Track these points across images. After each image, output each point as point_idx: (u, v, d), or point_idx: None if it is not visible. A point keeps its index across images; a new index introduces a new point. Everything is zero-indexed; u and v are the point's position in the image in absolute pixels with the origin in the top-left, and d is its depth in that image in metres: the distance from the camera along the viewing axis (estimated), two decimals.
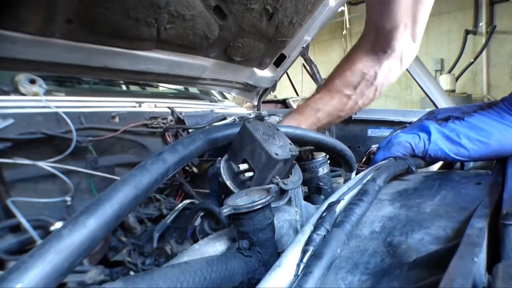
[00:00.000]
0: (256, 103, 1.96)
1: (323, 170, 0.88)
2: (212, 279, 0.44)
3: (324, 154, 0.90)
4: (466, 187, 0.61)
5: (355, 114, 1.82)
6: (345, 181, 1.03)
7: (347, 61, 1.00)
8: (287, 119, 1.02)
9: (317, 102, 1.00)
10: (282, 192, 0.61)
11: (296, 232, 0.65)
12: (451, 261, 0.29)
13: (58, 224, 0.83)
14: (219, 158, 0.67)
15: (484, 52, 6.01)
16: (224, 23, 1.25)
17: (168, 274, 0.41)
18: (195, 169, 1.21)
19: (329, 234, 0.42)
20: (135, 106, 1.27)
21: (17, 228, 0.82)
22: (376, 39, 0.93)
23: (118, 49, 1.16)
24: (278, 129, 0.68)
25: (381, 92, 0.99)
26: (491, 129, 0.71)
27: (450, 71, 6.30)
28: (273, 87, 1.93)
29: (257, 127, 0.61)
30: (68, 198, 0.91)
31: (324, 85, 1.04)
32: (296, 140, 0.74)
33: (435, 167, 0.98)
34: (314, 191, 0.88)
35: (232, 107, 1.88)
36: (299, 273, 0.38)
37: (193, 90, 1.98)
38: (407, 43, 0.90)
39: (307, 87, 1.98)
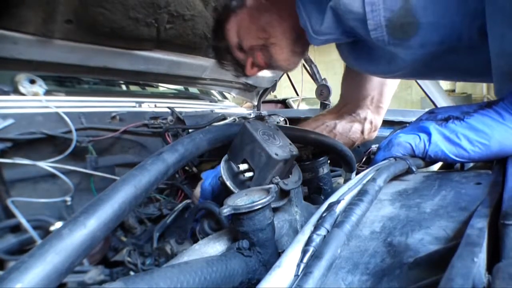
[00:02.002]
0: (256, 103, 1.96)
1: (323, 170, 0.88)
2: (212, 279, 0.44)
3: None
4: (466, 187, 0.61)
5: None
6: (345, 181, 1.03)
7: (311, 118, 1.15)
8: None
9: None
10: (282, 192, 0.61)
11: (296, 232, 0.65)
12: (451, 261, 0.29)
13: (58, 224, 0.83)
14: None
15: None
16: None
17: (168, 274, 0.41)
18: (195, 169, 1.21)
19: (329, 234, 0.42)
20: (135, 106, 1.27)
21: (17, 228, 0.82)
22: (344, 106, 1.07)
23: (118, 49, 1.16)
24: (278, 129, 0.68)
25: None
26: (491, 130, 0.71)
27: None
28: (273, 87, 1.93)
29: (257, 127, 0.61)
30: (68, 198, 0.91)
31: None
32: (296, 140, 0.74)
33: (435, 167, 0.98)
34: (314, 191, 0.88)
35: (232, 107, 1.88)
36: (299, 273, 0.38)
37: (193, 90, 1.98)
38: (371, 114, 1.04)
39: (307, 87, 1.98)
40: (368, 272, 0.37)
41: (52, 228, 0.82)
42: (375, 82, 0.99)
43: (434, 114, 0.85)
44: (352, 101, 1.05)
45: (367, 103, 1.02)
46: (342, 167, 1.01)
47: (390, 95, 1.04)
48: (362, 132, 1.06)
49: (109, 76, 1.33)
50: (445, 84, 5.96)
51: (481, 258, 0.31)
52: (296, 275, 0.38)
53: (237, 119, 1.38)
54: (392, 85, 1.02)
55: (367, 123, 1.05)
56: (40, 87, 1.02)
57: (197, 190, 0.94)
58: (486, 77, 0.67)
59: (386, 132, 1.71)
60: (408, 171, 0.72)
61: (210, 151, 0.63)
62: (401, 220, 0.49)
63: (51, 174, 0.89)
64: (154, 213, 1.05)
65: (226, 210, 0.48)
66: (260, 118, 1.60)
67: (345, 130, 1.05)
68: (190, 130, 1.29)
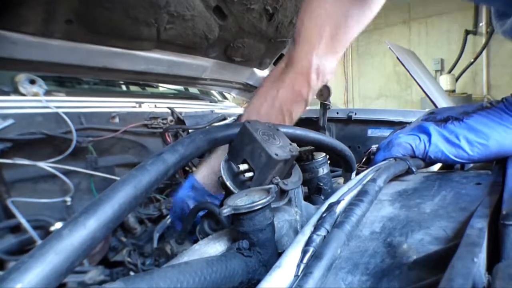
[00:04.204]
0: None
1: (323, 170, 0.88)
2: (212, 280, 0.44)
3: (324, 154, 0.90)
4: (466, 187, 0.61)
5: (355, 113, 1.82)
6: (345, 181, 1.03)
7: (257, 88, 0.93)
8: (198, 167, 0.93)
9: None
10: (282, 193, 0.61)
11: (296, 232, 0.65)
12: (451, 261, 0.29)
13: (58, 225, 0.83)
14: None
15: (484, 52, 6.00)
16: (224, 23, 1.25)
17: (168, 274, 0.41)
18: (195, 169, 1.21)
19: (329, 235, 0.42)
20: (135, 106, 1.27)
21: (17, 228, 0.82)
22: (291, 50, 0.87)
23: (118, 49, 1.16)
24: (278, 129, 0.68)
25: (291, 112, 0.90)
26: (490, 131, 0.71)
27: (450, 71, 6.30)
28: None
29: (257, 127, 0.61)
30: (68, 199, 0.91)
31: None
32: (296, 140, 0.74)
33: (435, 167, 0.98)
34: (314, 191, 0.88)
35: (232, 107, 1.88)
36: (299, 274, 0.38)
37: (193, 90, 1.98)
38: (318, 57, 0.83)
39: None
40: (368, 272, 0.37)
41: (52, 228, 0.83)
42: (333, 9, 0.80)
43: (434, 114, 0.85)
44: (299, 41, 0.85)
45: (314, 41, 0.82)
46: (342, 167, 1.01)
47: (353, 32, 0.83)
48: (309, 84, 0.87)
49: (109, 76, 1.33)
50: (445, 84, 5.96)
51: (481, 258, 0.31)
52: (296, 276, 0.38)
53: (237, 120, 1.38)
54: (358, 18, 0.81)
55: (312, 73, 0.85)
56: (40, 87, 1.02)
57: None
58: None
59: (386, 132, 1.71)
60: (408, 172, 0.72)
61: (210, 151, 0.63)
62: (401, 220, 0.49)
63: (51, 175, 0.89)
64: (154, 213, 1.05)
65: (226, 210, 0.48)
66: None
67: (289, 94, 0.87)
68: (190, 130, 1.29)
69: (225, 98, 2.09)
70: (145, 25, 1.08)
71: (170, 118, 1.30)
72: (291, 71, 0.86)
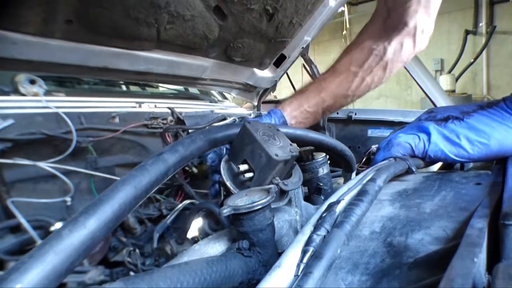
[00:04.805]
0: (256, 104, 1.96)
1: (323, 170, 0.88)
2: (212, 280, 0.44)
3: (324, 154, 0.90)
4: (466, 187, 0.61)
5: (355, 113, 1.82)
6: (345, 181, 1.03)
7: (356, 40, 0.95)
8: (289, 100, 0.97)
9: (321, 82, 0.95)
10: (282, 193, 0.61)
11: (296, 232, 0.65)
12: (451, 261, 0.29)
13: (58, 225, 0.83)
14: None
15: (484, 52, 6.00)
16: (224, 23, 1.25)
17: (168, 274, 0.41)
18: (195, 170, 1.21)
19: (329, 235, 0.42)
20: (135, 107, 1.27)
21: (17, 229, 0.82)
22: (388, 15, 0.87)
23: (118, 49, 1.16)
24: (278, 130, 0.68)
25: (392, 71, 0.93)
26: (491, 130, 0.71)
27: (450, 71, 6.30)
28: (273, 88, 1.93)
29: (257, 127, 0.61)
30: (68, 199, 0.91)
31: (331, 66, 0.98)
32: (296, 140, 0.74)
33: (435, 167, 0.98)
34: (314, 191, 0.88)
35: (232, 107, 1.88)
36: (299, 274, 0.38)
37: (193, 90, 1.98)
38: (421, 17, 0.84)
39: None
40: (368, 272, 0.37)
41: (52, 228, 0.83)
42: None
43: (433, 114, 0.85)
44: (395, 5, 0.85)
45: (413, 4, 0.81)
46: (342, 167, 1.01)
47: (436, 2, 0.83)
48: (414, 45, 0.88)
49: (109, 76, 1.33)
50: (445, 84, 5.96)
51: (481, 258, 0.31)
52: (296, 275, 0.38)
53: (237, 120, 1.38)
54: None
55: (418, 33, 0.86)
56: (40, 87, 1.02)
57: None
58: None
59: (386, 132, 1.71)
60: (408, 171, 0.73)
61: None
62: (401, 220, 0.49)
63: (51, 175, 0.89)
64: (154, 213, 1.05)
65: (226, 211, 0.48)
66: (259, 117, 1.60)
67: (397, 53, 0.89)
68: (190, 131, 1.29)
69: (225, 98, 2.09)
70: (145, 25, 1.08)
71: (170, 118, 1.30)
72: (397, 33, 0.87)
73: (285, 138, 0.65)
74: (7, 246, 0.79)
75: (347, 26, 6.79)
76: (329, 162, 0.92)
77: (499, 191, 0.51)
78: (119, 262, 0.88)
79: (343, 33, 6.93)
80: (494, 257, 0.35)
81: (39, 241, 0.79)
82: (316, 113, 0.96)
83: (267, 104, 2.16)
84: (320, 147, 0.85)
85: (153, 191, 0.48)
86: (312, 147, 0.86)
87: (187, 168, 1.21)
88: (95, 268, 0.77)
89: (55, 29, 0.97)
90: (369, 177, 0.60)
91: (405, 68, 1.85)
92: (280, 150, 0.59)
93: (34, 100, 0.99)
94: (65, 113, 0.97)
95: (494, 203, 0.46)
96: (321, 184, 0.87)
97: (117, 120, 1.15)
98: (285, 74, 1.95)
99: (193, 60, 1.41)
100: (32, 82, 1.01)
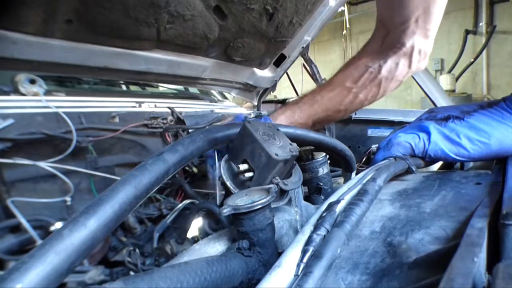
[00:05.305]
0: (256, 103, 1.96)
1: (323, 170, 0.88)
2: (212, 279, 0.44)
3: (324, 154, 0.90)
4: (466, 187, 0.61)
5: (355, 113, 1.82)
6: (345, 181, 1.03)
7: (353, 57, 0.97)
8: (283, 109, 1.00)
9: (315, 95, 0.97)
10: (282, 193, 0.61)
11: (296, 232, 0.65)
12: (451, 261, 0.29)
13: (58, 224, 0.83)
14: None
15: (484, 52, 6.00)
16: (224, 23, 1.25)
17: (168, 274, 0.41)
18: (195, 169, 1.21)
19: (329, 234, 0.42)
20: (135, 106, 1.27)
21: (17, 228, 0.82)
22: (386, 35, 0.89)
23: (118, 49, 1.16)
24: (278, 130, 0.68)
25: (386, 89, 0.95)
26: (491, 129, 0.71)
27: (450, 71, 6.30)
28: (273, 87, 1.93)
29: (257, 127, 0.61)
30: (68, 198, 0.91)
31: (327, 81, 1.01)
32: (296, 140, 0.74)
33: (435, 167, 0.98)
34: (314, 191, 0.88)
35: (232, 107, 1.88)
36: (299, 273, 0.38)
37: (193, 90, 1.98)
38: (418, 39, 0.85)
39: (307, 87, 1.99)
40: (368, 272, 0.37)
41: (52, 228, 0.83)
42: (417, 0, 0.80)
43: (433, 113, 0.85)
44: (393, 26, 0.87)
45: (411, 26, 0.82)
46: (342, 167, 1.01)
47: (438, 14, 0.83)
48: (410, 65, 0.90)
49: (109, 76, 1.33)
50: (445, 84, 5.95)
51: (481, 258, 0.31)
52: (296, 275, 0.38)
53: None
54: (440, 2, 0.81)
55: (415, 53, 0.88)
56: (40, 87, 1.02)
57: None
58: None
59: (386, 132, 1.71)
60: (408, 171, 0.73)
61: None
62: (401, 220, 0.49)
63: (51, 174, 0.89)
64: (154, 213, 1.05)
65: (226, 210, 0.48)
66: (260, 118, 1.60)
67: (391, 72, 0.91)
68: (190, 130, 1.29)
69: (225, 98, 2.09)
70: (145, 25, 1.08)
71: (170, 118, 1.30)
72: (394, 53, 0.89)
73: (285, 138, 0.65)
74: (7, 246, 0.79)
75: (347, 26, 6.79)
76: (329, 162, 0.92)
77: (499, 191, 0.51)
78: (119, 262, 0.88)
79: (343, 33, 6.94)
80: (494, 257, 0.35)
81: (39, 241, 0.79)
82: (306, 124, 0.98)
83: (267, 103, 2.16)
84: (320, 147, 0.85)
85: (154, 191, 0.48)
86: (312, 147, 0.86)
87: (187, 168, 1.21)
88: (95, 268, 0.77)
89: (55, 29, 0.97)
90: (369, 177, 0.60)
91: None
92: (280, 149, 0.59)
93: (34, 100, 0.99)
94: (65, 113, 0.97)
95: (494, 203, 0.46)
96: (321, 184, 0.87)
97: (117, 120, 1.15)
98: (285, 74, 1.96)
99: (193, 60, 1.41)
100: (32, 82, 1.01)
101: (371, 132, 1.80)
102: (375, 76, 0.91)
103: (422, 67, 0.93)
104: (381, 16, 0.91)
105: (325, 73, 1.89)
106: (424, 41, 0.87)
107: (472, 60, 6.10)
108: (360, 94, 0.94)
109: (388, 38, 0.89)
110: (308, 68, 1.89)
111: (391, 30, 0.88)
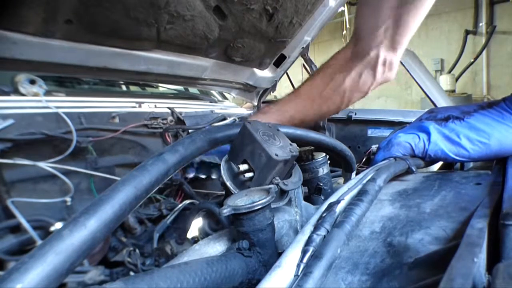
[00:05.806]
0: (256, 104, 1.96)
1: (323, 170, 0.88)
2: (212, 280, 0.44)
3: (324, 154, 0.90)
4: (466, 187, 0.61)
5: (355, 113, 1.82)
6: (345, 181, 1.03)
7: (323, 65, 0.97)
8: (252, 116, 1.00)
9: (281, 104, 0.98)
10: (282, 193, 0.61)
11: (296, 232, 0.65)
12: (451, 261, 0.29)
13: (58, 225, 0.83)
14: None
15: (484, 52, 6.00)
16: (224, 24, 1.25)
17: (168, 274, 0.41)
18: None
19: (329, 235, 0.42)
20: (135, 107, 1.27)
21: (17, 229, 0.82)
22: (355, 44, 0.89)
23: (118, 49, 1.16)
24: (278, 130, 0.68)
25: (350, 100, 0.94)
26: (491, 130, 0.71)
27: (450, 71, 6.30)
28: (273, 88, 1.93)
29: (257, 127, 0.61)
30: (68, 199, 0.91)
31: (296, 88, 1.02)
32: (297, 140, 0.74)
33: (435, 167, 0.98)
34: (314, 191, 0.88)
35: (232, 107, 1.88)
36: (299, 273, 0.38)
37: (193, 90, 1.98)
38: (384, 50, 0.84)
39: None
40: (368, 272, 0.37)
41: (52, 228, 0.83)
42: (389, 9, 0.78)
43: (433, 113, 0.85)
44: (362, 35, 0.87)
45: (379, 36, 0.82)
46: (342, 167, 1.01)
47: (411, 27, 0.80)
48: (374, 76, 0.89)
49: (109, 76, 1.33)
50: (445, 84, 5.96)
51: (481, 258, 0.31)
52: (296, 275, 0.38)
53: (237, 120, 1.38)
54: (414, 13, 0.77)
55: (379, 65, 0.87)
56: (40, 87, 1.02)
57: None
58: None
59: (386, 132, 1.71)
60: (408, 171, 0.73)
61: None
62: (401, 220, 0.49)
63: (51, 175, 0.89)
64: (154, 214, 1.05)
65: (226, 211, 0.48)
66: None
67: (354, 83, 0.91)
68: (190, 131, 1.29)
69: (225, 98, 2.09)
70: (145, 25, 1.08)
71: (170, 118, 1.30)
72: (358, 63, 0.89)
73: (285, 138, 0.65)
74: (7, 246, 0.79)
75: (347, 26, 6.79)
76: (329, 162, 0.92)
77: (499, 191, 0.51)
78: (119, 262, 0.88)
79: (343, 33, 6.93)
80: (494, 257, 0.35)
81: (39, 241, 0.79)
82: None
83: (267, 104, 2.16)
84: (320, 147, 0.85)
85: (154, 191, 0.48)
86: (312, 147, 0.86)
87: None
88: (95, 268, 0.77)
89: (55, 29, 0.97)
90: (369, 177, 0.60)
91: (405, 68, 1.86)
92: (280, 150, 0.59)
93: (34, 100, 0.99)
94: (65, 113, 0.97)
95: (494, 203, 0.46)
96: (321, 184, 0.87)
97: (117, 120, 1.15)
98: (285, 74, 1.96)
99: (193, 60, 1.41)
100: (32, 82, 1.02)
101: (371, 132, 1.80)
102: (339, 86, 0.92)
103: (389, 78, 0.92)
104: (356, 23, 0.90)
105: None
106: (390, 52, 0.85)
107: (472, 60, 6.10)
108: (324, 106, 0.95)
109: (356, 47, 0.89)
110: (308, 68, 1.89)
111: (360, 38, 0.87)
